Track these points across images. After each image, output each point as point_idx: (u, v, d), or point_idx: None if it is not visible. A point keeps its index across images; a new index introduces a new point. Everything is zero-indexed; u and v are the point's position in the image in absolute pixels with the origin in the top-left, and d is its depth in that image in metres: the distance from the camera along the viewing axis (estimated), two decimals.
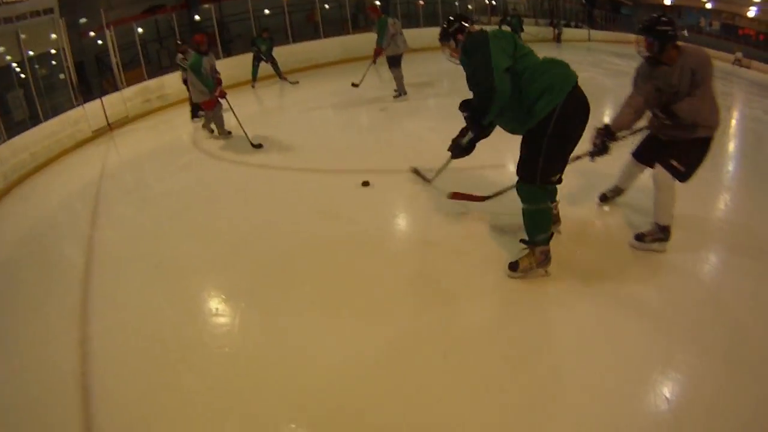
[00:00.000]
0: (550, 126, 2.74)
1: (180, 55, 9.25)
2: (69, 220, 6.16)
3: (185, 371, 2.90)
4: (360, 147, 6.74)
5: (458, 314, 2.97)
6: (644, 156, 3.34)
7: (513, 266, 3.04)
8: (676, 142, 2.99)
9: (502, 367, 2.53)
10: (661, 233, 3.06)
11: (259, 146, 6.77)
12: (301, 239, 4.20)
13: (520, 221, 3.10)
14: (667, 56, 2.91)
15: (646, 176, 3.45)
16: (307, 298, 3.38)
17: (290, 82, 11.77)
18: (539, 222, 2.95)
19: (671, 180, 2.93)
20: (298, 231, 4.37)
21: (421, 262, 3.63)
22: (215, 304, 3.56)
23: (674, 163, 2.91)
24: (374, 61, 8.50)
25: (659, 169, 2.97)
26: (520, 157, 2.95)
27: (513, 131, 3.00)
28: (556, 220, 3.46)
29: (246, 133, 6.98)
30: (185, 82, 9.21)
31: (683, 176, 2.94)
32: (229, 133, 7.67)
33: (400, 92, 8.46)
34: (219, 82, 7.29)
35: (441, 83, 9.18)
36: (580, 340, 2.63)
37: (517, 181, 2.97)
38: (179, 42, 9.75)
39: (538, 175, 2.85)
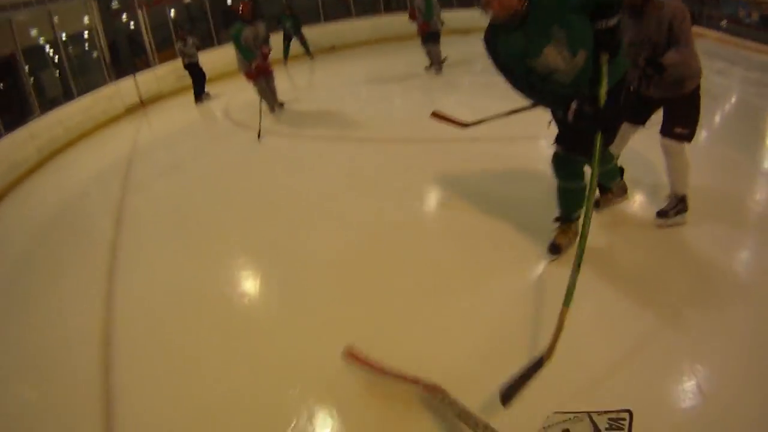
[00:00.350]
0: (622, 93, 2.42)
1: (180, 43, 9.22)
2: (100, 189, 6.17)
3: (205, 326, 2.92)
4: (392, 119, 6.45)
5: (480, 296, 2.69)
6: (635, 115, 3.02)
7: (555, 249, 2.75)
8: (670, 103, 2.80)
9: (520, 339, 2.29)
10: (681, 203, 2.87)
11: (258, 136, 6.20)
12: (328, 206, 4.11)
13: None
14: (651, 6, 2.68)
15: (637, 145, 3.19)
16: (328, 263, 3.26)
17: (326, 50, 11.47)
18: (578, 199, 2.67)
19: (679, 145, 2.78)
20: (326, 198, 4.28)
21: (443, 237, 3.40)
22: (239, 264, 3.58)
23: (678, 129, 2.76)
24: (423, 39, 8.17)
25: (665, 139, 2.81)
26: (572, 131, 2.50)
27: (558, 102, 2.45)
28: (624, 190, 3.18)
29: (261, 121, 6.45)
30: (186, 67, 9.43)
31: (688, 137, 2.78)
32: (281, 105, 7.32)
33: (436, 68, 8.17)
34: (263, 54, 6.76)
35: (475, 63, 8.82)
36: (600, 321, 2.38)
37: (562, 157, 2.62)
38: (180, 29, 9.80)
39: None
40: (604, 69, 2.23)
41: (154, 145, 7.46)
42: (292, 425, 2.10)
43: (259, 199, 4.59)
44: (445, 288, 2.79)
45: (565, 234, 2.76)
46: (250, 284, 3.34)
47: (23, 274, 4.28)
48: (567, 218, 2.75)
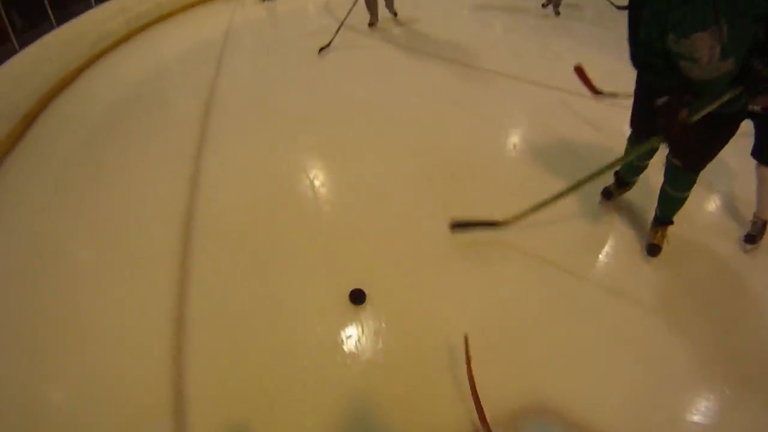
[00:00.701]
0: (721, 127, 2.17)
1: None
2: (189, 68, 6.05)
3: (286, 216, 2.96)
4: (489, 50, 5.68)
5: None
6: None
7: (655, 250, 2.66)
8: (763, 120, 2.41)
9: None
10: (764, 228, 2.74)
11: (325, 47, 5.79)
12: (413, 116, 4.07)
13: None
14: None
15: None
16: (405, 167, 3.34)
17: None
18: (679, 206, 2.61)
19: None
20: (406, 110, 4.21)
21: (504, 180, 3.22)
22: (326, 162, 3.54)
23: None
24: None
25: (759, 166, 2.58)
26: (690, 144, 2.24)
27: (660, 87, 2.10)
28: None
29: (337, 31, 5.95)
30: None
31: None
32: (395, 14, 6.76)
33: (555, 9, 7.11)
34: None
35: (585, 8, 7.88)
36: (629, 324, 2.25)
37: (676, 169, 2.41)
38: None
39: (703, 165, 2.35)
40: (723, 97, 1.98)
41: (247, 32, 7.28)
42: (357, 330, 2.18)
43: (347, 100, 4.46)
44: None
45: (662, 234, 2.69)
46: (331, 182, 3.31)
47: (103, 145, 4.21)
48: (664, 220, 2.68)
